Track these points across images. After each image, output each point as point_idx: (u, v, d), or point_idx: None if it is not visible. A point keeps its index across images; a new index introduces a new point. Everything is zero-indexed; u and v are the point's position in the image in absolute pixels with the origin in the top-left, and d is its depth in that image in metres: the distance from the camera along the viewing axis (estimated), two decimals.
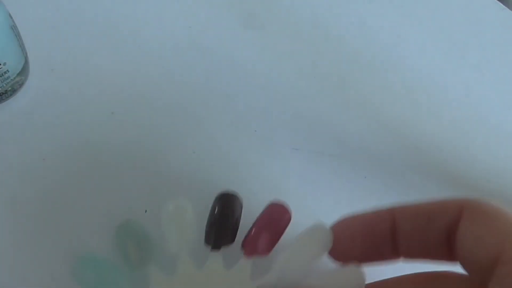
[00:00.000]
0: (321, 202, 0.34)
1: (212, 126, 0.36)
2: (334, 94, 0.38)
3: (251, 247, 0.29)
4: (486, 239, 0.20)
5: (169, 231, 0.30)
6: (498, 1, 0.41)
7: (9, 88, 0.35)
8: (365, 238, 0.24)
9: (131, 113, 0.37)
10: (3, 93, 0.35)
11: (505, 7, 0.42)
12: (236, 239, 0.30)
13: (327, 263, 0.29)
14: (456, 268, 0.22)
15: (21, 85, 0.37)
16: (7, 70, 0.34)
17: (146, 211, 0.33)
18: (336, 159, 0.35)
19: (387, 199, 0.34)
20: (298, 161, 0.35)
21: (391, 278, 0.24)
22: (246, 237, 0.30)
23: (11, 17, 0.35)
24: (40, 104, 0.37)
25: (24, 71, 0.36)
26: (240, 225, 0.31)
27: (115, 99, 0.37)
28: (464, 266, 0.21)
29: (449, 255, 0.22)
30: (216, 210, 0.31)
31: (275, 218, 0.30)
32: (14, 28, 0.35)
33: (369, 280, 0.24)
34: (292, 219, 0.33)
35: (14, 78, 0.35)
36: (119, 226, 0.31)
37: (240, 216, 0.31)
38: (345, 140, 0.36)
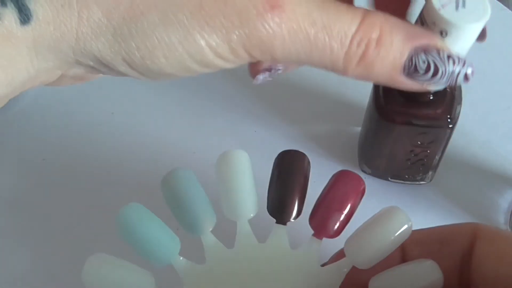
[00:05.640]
0: None
1: (212, 126, 0.36)
2: (334, 94, 0.38)
3: (322, 228, 0.24)
4: (508, 257, 0.21)
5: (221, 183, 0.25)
6: (498, 1, 0.41)
7: None
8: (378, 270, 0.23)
9: (131, 113, 0.37)
10: None
11: (505, 7, 0.42)
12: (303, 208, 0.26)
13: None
14: None
15: None
16: None
17: None
18: (337, 159, 0.35)
19: (387, 200, 0.34)
20: None
21: None
22: (314, 213, 0.25)
23: None
24: (40, 104, 0.37)
25: None
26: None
27: (115, 99, 0.37)
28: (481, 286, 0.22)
29: (460, 280, 0.22)
30: (278, 172, 0.26)
31: (348, 193, 0.25)
32: None
33: None
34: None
35: None
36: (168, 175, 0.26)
37: (308, 177, 0.26)
38: (346, 140, 0.36)
